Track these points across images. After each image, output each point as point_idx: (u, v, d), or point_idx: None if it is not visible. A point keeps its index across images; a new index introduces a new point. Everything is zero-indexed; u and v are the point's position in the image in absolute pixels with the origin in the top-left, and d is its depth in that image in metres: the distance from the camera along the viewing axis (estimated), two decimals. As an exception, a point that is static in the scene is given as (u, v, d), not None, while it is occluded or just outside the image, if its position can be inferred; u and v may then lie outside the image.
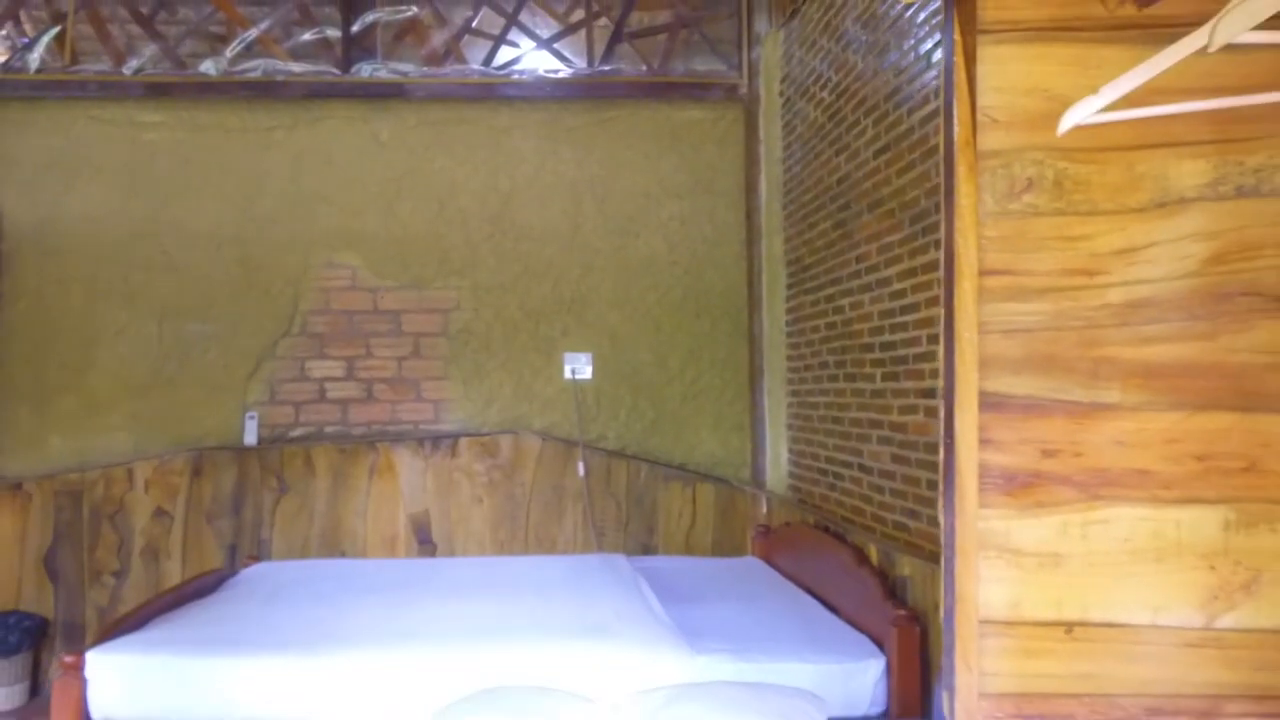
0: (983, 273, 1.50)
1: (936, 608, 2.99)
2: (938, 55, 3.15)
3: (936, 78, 3.16)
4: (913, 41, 3.37)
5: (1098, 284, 1.51)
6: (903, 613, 3.07)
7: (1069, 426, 1.49)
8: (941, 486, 1.49)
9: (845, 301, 4.06)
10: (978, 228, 1.49)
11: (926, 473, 3.24)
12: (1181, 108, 1.48)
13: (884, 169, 3.62)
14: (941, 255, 1.52)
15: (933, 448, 3.19)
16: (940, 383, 1.51)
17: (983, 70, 1.53)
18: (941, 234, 1.53)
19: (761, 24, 5.29)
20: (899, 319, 3.47)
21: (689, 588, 4.14)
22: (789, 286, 4.96)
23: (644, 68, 5.43)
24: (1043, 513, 1.48)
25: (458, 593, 3.88)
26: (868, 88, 3.80)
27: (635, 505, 5.36)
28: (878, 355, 3.69)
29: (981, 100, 1.52)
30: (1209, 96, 1.50)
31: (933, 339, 3.20)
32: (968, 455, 1.46)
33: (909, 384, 3.39)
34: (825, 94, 4.34)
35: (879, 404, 3.67)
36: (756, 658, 3.05)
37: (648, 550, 5.29)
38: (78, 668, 2.96)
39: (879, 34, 3.68)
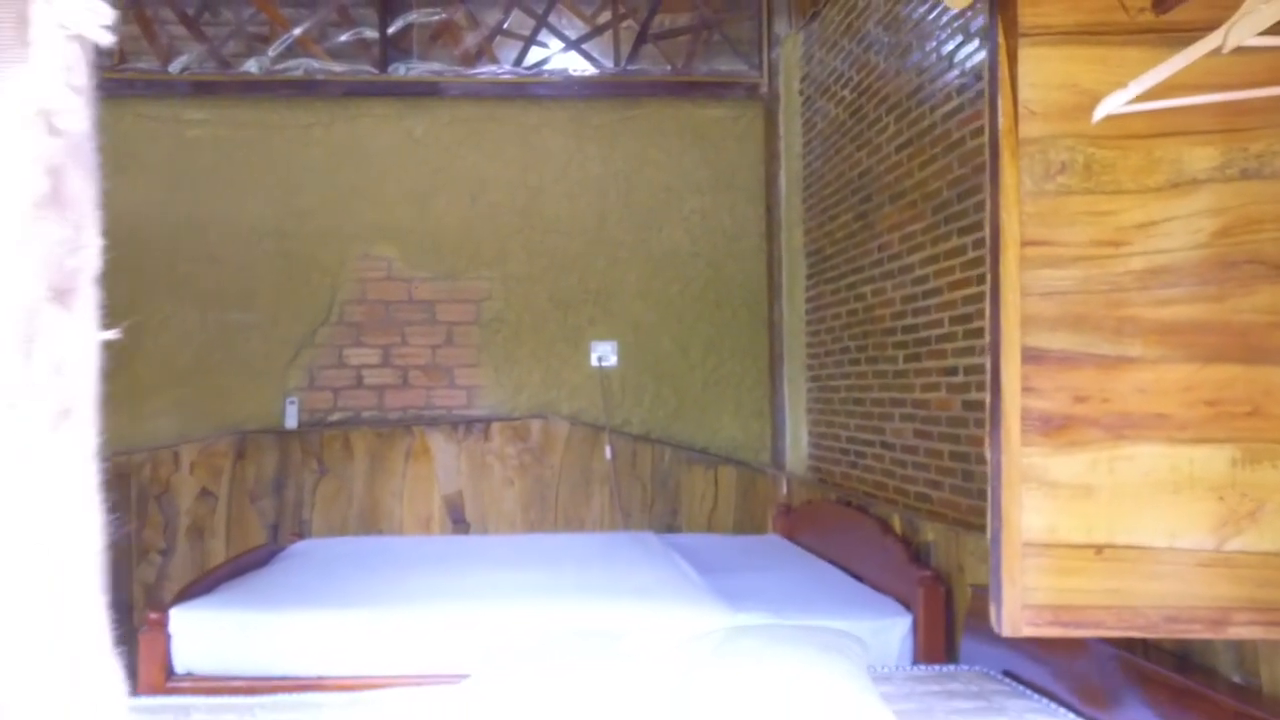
0: (1023, 244, 1.73)
1: (961, 569, 3.23)
2: (960, 55, 3.38)
3: (959, 77, 3.39)
4: (934, 43, 3.60)
5: (1122, 253, 1.74)
6: (928, 573, 3.30)
7: (1097, 376, 1.72)
8: (988, 428, 1.72)
9: (867, 289, 4.29)
10: (1019, 205, 1.72)
11: (949, 445, 3.47)
12: (1194, 100, 1.71)
13: (906, 162, 3.85)
14: (987, 229, 1.75)
15: (955, 422, 3.42)
16: (987, 339, 1.74)
17: (1021, 69, 1.76)
18: (987, 211, 1.76)
19: (781, 26, 5.53)
20: (921, 303, 3.70)
21: (717, 560, 4.37)
22: (809, 276, 5.19)
23: (668, 67, 5.67)
24: (1075, 450, 1.71)
25: (501, 563, 4.11)
26: (889, 86, 4.04)
27: (660, 487, 5.59)
28: (900, 338, 3.92)
29: (1021, 94, 1.75)
30: (1217, 91, 1.73)
31: (955, 320, 3.43)
32: (1012, 401, 1.69)
33: (931, 363, 3.62)
34: (846, 92, 4.57)
35: (901, 384, 3.90)
36: (793, 615, 3.28)
37: (672, 530, 5.52)
38: (162, 623, 3.19)
39: (901, 36, 3.92)
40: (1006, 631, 1.66)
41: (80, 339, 0.58)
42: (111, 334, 0.60)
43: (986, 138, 1.77)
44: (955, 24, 3.44)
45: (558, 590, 3.57)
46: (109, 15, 0.58)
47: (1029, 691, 2.50)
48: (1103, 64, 1.78)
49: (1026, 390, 1.71)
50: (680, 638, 2.81)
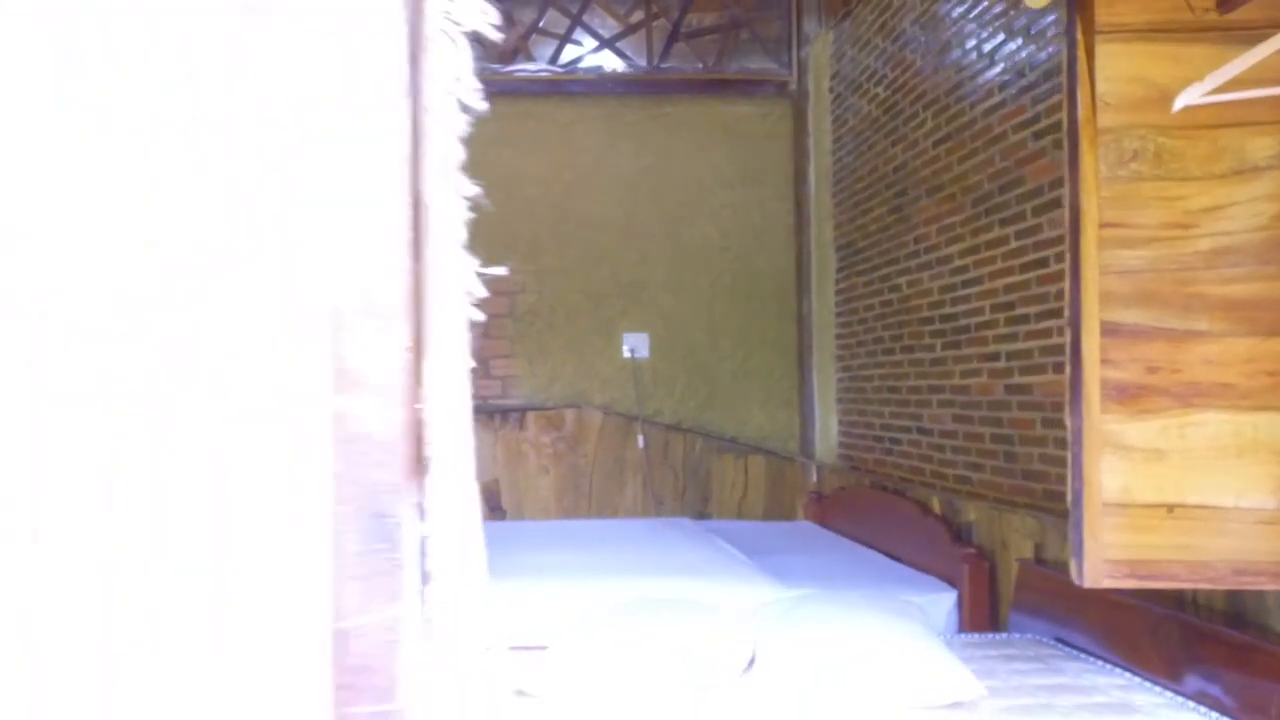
0: (1100, 225, 1.87)
1: (1005, 546, 3.36)
2: (1002, 52, 3.52)
3: (1001, 73, 3.52)
4: (975, 41, 3.73)
5: (1190, 235, 1.88)
6: (972, 550, 3.44)
7: (1168, 349, 1.86)
8: (1068, 397, 1.86)
9: (902, 280, 4.43)
10: (1097, 190, 1.86)
11: (990, 428, 3.61)
12: (1257, 94, 1.85)
13: (944, 157, 3.99)
14: (1066, 212, 1.89)
15: (997, 405, 3.56)
16: (1066, 315, 1.88)
17: (1097, 64, 1.90)
18: (1066, 195, 1.90)
19: (811, 25, 5.66)
20: (960, 292, 3.84)
21: (756, 544, 4.50)
22: (839, 269, 5.33)
23: (699, 65, 5.80)
24: (1148, 417, 1.85)
25: (548, 546, 4.23)
26: (927, 83, 4.17)
27: (691, 475, 5.73)
28: (938, 327, 4.05)
29: (1097, 88, 1.89)
30: (1273, 85, 1.87)
31: (996, 308, 3.57)
32: (1092, 371, 1.83)
33: (971, 350, 3.76)
34: (880, 89, 4.70)
35: (939, 371, 4.04)
36: (843, 591, 3.41)
37: (703, 517, 5.65)
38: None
39: (939, 33, 4.05)
40: (1088, 583, 1.80)
41: (463, 281, 0.72)
42: (500, 270, 0.74)
43: (1065, 128, 1.91)
44: (997, 22, 3.58)
45: (611, 569, 3.70)
46: (495, 14, 0.72)
47: (1082, 655, 2.64)
48: (1171, 60, 1.92)
49: (1104, 362, 1.85)
50: (744, 607, 2.95)
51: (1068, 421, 1.86)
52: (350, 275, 0.50)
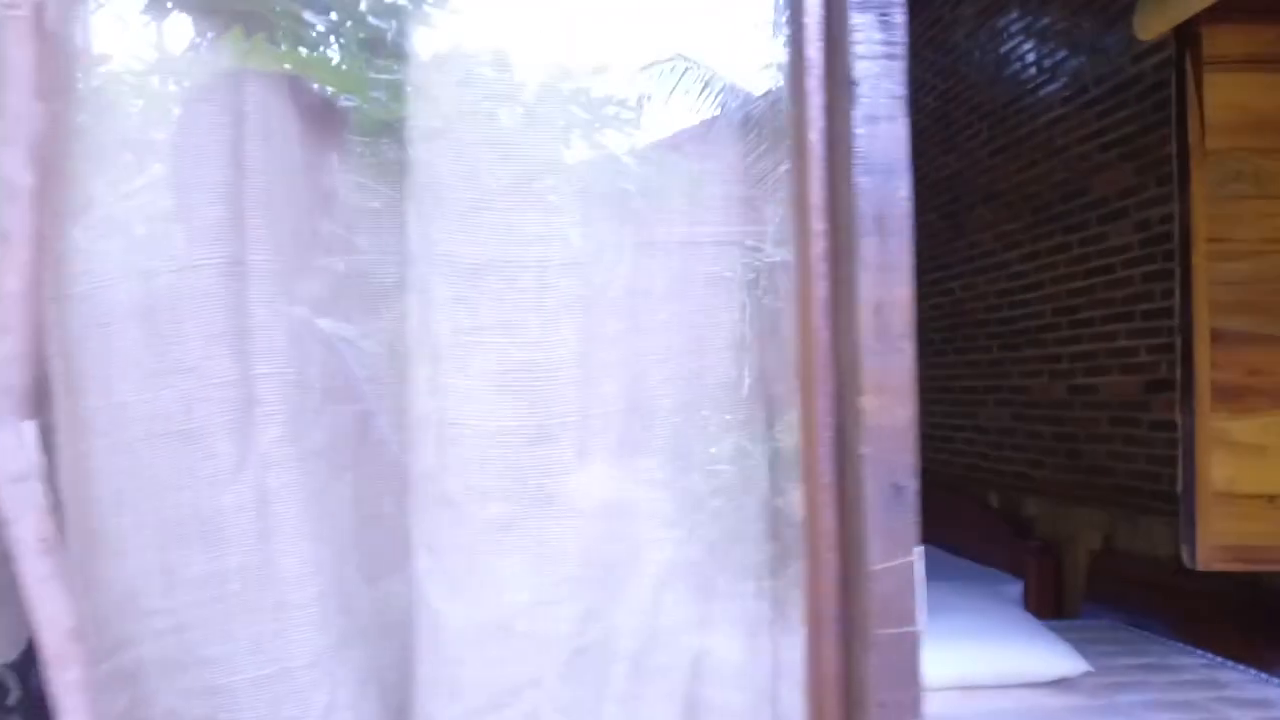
0: (1206, 240, 2.05)
1: (1071, 539, 3.54)
2: (1066, 67, 3.69)
3: (1063, 88, 3.70)
4: (1035, 56, 3.91)
5: (1287, 249, 2.06)
6: (1037, 543, 3.62)
7: (1268, 353, 2.04)
8: (1179, 397, 2.04)
9: (955, 284, 4.60)
10: (1206, 207, 2.04)
11: (1051, 427, 3.78)
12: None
13: (1001, 167, 4.16)
14: (1176, 228, 2.07)
15: (1059, 405, 3.73)
16: (1176, 322, 2.06)
17: (1203, 92, 2.08)
18: (1176, 213, 2.08)
19: (854, 36, 5.83)
20: (1019, 297, 4.01)
21: (812, 538, 4.68)
22: (885, 273, 5.50)
23: (745, 75, 5.97)
24: (1251, 416, 2.03)
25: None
26: (981, 95, 4.34)
27: (737, 473, 5.90)
28: (994, 330, 4.23)
29: (1204, 114, 2.07)
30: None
31: (1058, 312, 3.74)
32: (1203, 374, 2.01)
33: (1031, 352, 3.93)
34: (930, 100, 4.88)
35: (996, 371, 4.21)
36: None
37: (750, 513, 5.82)
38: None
39: (994, 48, 4.22)
40: (1201, 567, 1.98)
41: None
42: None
43: (1174, 151, 2.09)
44: (1059, 38, 3.75)
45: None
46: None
47: (1161, 638, 2.82)
48: (1268, 88, 2.10)
49: (1210, 365, 2.03)
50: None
51: (1178, 420, 2.04)
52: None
